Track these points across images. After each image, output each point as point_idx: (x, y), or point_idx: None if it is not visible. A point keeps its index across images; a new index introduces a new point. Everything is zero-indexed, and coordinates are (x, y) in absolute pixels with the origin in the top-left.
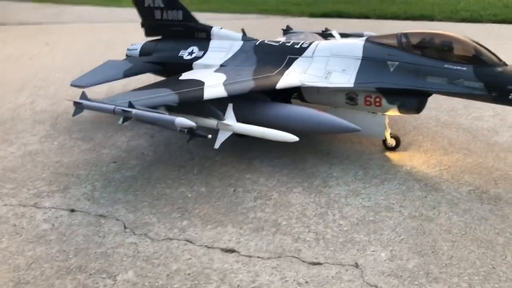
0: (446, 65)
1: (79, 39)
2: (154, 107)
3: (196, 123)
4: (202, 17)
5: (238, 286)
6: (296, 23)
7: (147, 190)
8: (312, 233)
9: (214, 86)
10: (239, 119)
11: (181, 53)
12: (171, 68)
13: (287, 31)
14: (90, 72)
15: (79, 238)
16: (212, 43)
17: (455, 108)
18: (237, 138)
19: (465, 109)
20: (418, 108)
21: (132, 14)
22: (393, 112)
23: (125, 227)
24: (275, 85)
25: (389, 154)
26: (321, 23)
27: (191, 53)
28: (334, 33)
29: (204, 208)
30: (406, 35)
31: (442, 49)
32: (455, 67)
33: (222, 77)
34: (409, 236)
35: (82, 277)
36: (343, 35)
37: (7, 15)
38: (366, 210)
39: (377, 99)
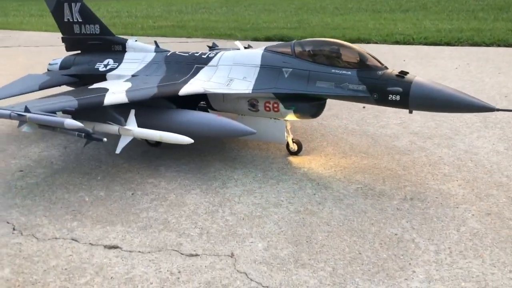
0: (333, 70)
1: (19, 61)
2: (53, 112)
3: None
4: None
5: (111, 277)
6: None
7: (46, 196)
8: (198, 228)
9: (116, 93)
10: (144, 126)
11: (97, 65)
12: (87, 80)
13: (212, 47)
14: (7, 85)
15: None
16: (127, 55)
17: (365, 118)
18: (150, 147)
19: (374, 119)
20: (313, 113)
21: None
22: (291, 117)
23: (13, 229)
24: (178, 92)
25: (291, 158)
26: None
27: (106, 65)
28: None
29: (98, 210)
30: (299, 43)
31: (330, 55)
32: (341, 72)
33: (127, 85)
34: (289, 228)
35: None
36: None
37: None
38: (256, 206)
39: (275, 105)
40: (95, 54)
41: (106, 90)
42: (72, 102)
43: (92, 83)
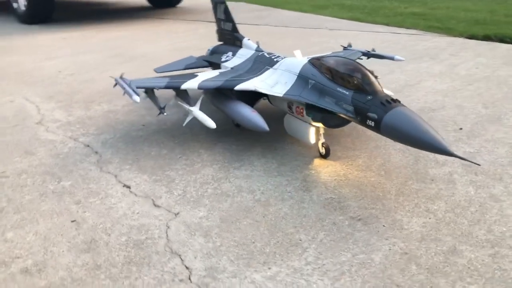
0: (338, 88)
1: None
2: (148, 88)
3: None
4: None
5: (105, 203)
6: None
7: (130, 146)
8: (181, 191)
9: (195, 81)
10: (214, 106)
11: (222, 56)
12: (214, 67)
13: (346, 48)
14: (173, 63)
15: None
16: (240, 51)
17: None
18: (235, 127)
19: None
20: (329, 124)
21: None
22: (314, 123)
23: (97, 161)
24: (235, 87)
25: (316, 159)
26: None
27: (226, 57)
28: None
29: (148, 162)
30: (325, 59)
31: (341, 74)
32: (342, 91)
33: (213, 75)
34: (235, 209)
35: None
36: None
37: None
38: (234, 189)
39: (301, 110)
40: (227, 46)
41: (194, 76)
42: (162, 84)
43: (215, 69)
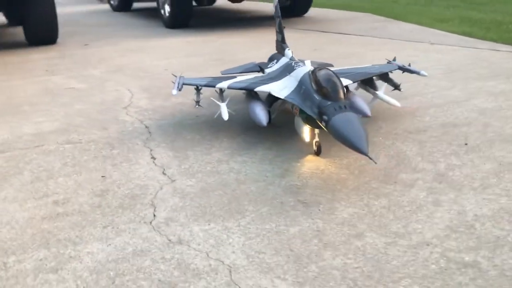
0: (314, 94)
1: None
2: (192, 85)
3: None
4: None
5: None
6: None
7: (172, 130)
8: (178, 162)
9: (227, 82)
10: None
11: (270, 62)
12: (262, 72)
13: (389, 62)
14: (236, 67)
15: None
16: (281, 59)
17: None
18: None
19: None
20: (310, 124)
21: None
22: (303, 122)
23: (148, 140)
24: (254, 89)
25: (309, 155)
26: None
27: (271, 64)
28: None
29: (179, 142)
30: (314, 70)
31: (319, 83)
32: (315, 96)
33: (246, 78)
34: (212, 178)
35: None
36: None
37: None
38: (218, 164)
39: (296, 111)
40: (277, 55)
41: (231, 78)
42: (203, 82)
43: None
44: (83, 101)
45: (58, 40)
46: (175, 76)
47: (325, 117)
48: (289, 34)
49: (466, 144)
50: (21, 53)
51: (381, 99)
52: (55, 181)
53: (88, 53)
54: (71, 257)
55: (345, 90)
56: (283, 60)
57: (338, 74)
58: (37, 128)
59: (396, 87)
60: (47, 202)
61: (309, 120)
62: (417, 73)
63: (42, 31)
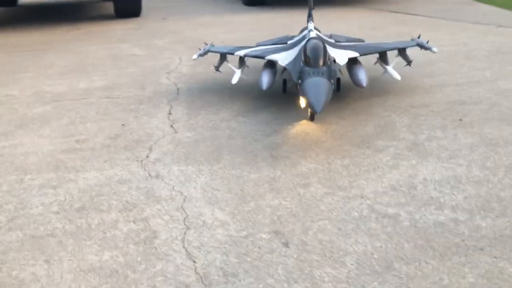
0: (300, 62)
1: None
2: (217, 52)
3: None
4: None
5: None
6: None
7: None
8: (173, 117)
9: (244, 50)
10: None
11: (296, 35)
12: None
13: (413, 39)
14: (269, 39)
15: None
16: (303, 33)
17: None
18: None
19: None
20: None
21: None
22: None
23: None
24: (265, 57)
25: (304, 120)
26: None
27: (295, 36)
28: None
29: (188, 101)
30: (309, 39)
31: (306, 52)
32: (300, 64)
33: (265, 48)
34: (207, 133)
35: None
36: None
37: None
38: (218, 124)
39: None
40: (303, 29)
41: (250, 47)
42: (226, 50)
43: None
44: (136, 65)
45: (142, 14)
46: (206, 44)
47: (299, 81)
48: (358, 13)
49: (460, 120)
50: (106, 24)
51: (388, 73)
52: (84, 125)
53: (162, 26)
54: (70, 180)
55: (327, 59)
56: (303, 32)
57: (329, 45)
58: (89, 85)
59: (409, 62)
60: (71, 140)
61: (297, 85)
62: (430, 49)
63: (127, 6)
